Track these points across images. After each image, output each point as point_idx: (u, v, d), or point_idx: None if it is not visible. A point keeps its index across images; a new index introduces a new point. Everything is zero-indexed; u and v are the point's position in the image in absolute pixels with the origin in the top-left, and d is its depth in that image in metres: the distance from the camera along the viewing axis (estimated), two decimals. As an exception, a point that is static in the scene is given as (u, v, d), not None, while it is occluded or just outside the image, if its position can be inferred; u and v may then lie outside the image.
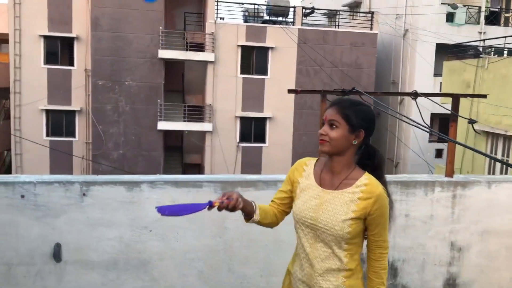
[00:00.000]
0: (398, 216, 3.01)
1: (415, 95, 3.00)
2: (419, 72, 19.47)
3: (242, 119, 18.62)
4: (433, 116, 17.53)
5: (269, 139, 18.93)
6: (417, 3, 19.47)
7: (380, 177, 1.83)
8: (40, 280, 2.73)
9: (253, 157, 18.72)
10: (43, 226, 2.70)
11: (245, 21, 19.69)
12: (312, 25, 20.64)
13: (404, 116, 2.60)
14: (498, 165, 11.16)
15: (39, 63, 17.76)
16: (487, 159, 11.52)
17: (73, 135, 18.47)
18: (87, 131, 18.32)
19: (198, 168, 19.72)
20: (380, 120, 20.47)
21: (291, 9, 19.52)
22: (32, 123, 17.75)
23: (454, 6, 19.50)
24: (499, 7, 21.32)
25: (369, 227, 1.80)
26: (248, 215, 1.88)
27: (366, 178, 1.79)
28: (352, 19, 22.51)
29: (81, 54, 17.97)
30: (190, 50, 18.02)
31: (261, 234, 2.89)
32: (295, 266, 1.97)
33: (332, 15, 23.31)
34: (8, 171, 19.90)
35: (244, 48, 18.31)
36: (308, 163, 1.95)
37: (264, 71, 18.64)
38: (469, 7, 19.93)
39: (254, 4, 19.89)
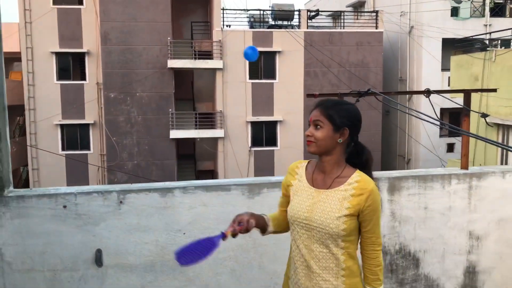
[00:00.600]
0: (417, 209, 3.16)
1: (428, 92, 3.15)
2: (426, 68, 19.53)
3: (253, 123, 18.82)
4: (443, 110, 17.57)
5: (281, 142, 19.09)
6: (421, -1, 19.56)
7: (370, 173, 1.88)
8: (84, 284, 2.91)
9: (266, 161, 18.89)
10: (85, 234, 2.88)
11: (251, 27, 19.93)
12: (317, 27, 20.82)
13: (420, 113, 2.74)
14: (510, 155, 11.19)
15: (52, 79, 18.16)
16: (499, 150, 11.54)
17: (88, 148, 18.82)
18: (101, 143, 18.65)
19: (211, 175, 19.94)
20: (390, 118, 20.53)
21: (296, 12, 19.72)
22: (47, 138, 18.14)
23: (458, 1, 19.54)
24: (504, -2, 21.30)
25: (362, 224, 1.82)
26: (263, 229, 1.98)
27: (358, 175, 1.82)
28: (357, 19, 22.65)
29: (93, 68, 18.33)
30: (199, 58, 18.29)
31: (287, 232, 3.05)
32: (291, 270, 2.00)
33: (336, 16, 23.48)
34: (26, 186, 20.29)
35: (251, 54, 18.51)
36: (300, 166, 2.00)
37: (272, 75, 18.84)
38: (474, 0, 19.96)
39: (259, 9, 20.14)
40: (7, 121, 2.89)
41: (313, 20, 21.40)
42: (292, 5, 20.20)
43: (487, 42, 16.52)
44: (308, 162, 2.01)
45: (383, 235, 3.03)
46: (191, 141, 19.72)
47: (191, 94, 20.08)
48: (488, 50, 13.02)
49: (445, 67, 18.06)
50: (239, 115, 18.51)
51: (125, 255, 2.93)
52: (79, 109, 18.39)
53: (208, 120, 18.60)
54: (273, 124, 19.04)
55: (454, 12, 19.87)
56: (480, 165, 11.87)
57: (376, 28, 19.47)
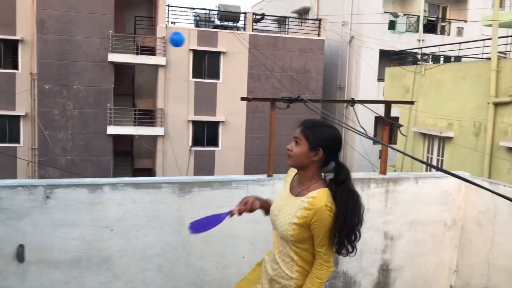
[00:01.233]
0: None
1: (352, 102, 3.38)
2: (364, 77, 20.46)
3: (195, 123, 18.74)
4: (378, 119, 18.51)
5: (222, 143, 19.16)
6: (361, 11, 20.47)
7: (343, 192, 1.95)
8: (3, 281, 2.84)
9: (206, 161, 18.88)
10: (6, 229, 2.81)
11: (197, 25, 19.85)
12: (262, 31, 21.14)
13: (340, 121, 2.94)
14: (434, 163, 12.05)
15: (-21, 66, 17.01)
16: (425, 159, 12.38)
17: (18, 141, 17.81)
18: (32, 136, 17.72)
19: (149, 173, 19.58)
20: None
21: (242, 14, 19.91)
22: (-28, 128, 16.96)
23: (395, 15, 20.69)
24: (436, 16, 22.82)
25: (313, 237, 1.95)
26: (267, 211, 2.20)
27: (317, 192, 1.95)
28: (301, 25, 23.26)
29: (26, 57, 17.38)
30: (141, 54, 17.92)
31: (216, 230, 3.14)
32: (267, 257, 2.24)
33: (281, 21, 23.96)
34: None
35: (196, 52, 18.46)
36: (291, 174, 2.19)
37: (216, 75, 18.87)
38: (409, 16, 21.21)
39: (205, 9, 20.11)
40: None
41: (259, 24, 21.70)
42: (239, 7, 20.37)
43: (419, 56, 17.62)
44: None
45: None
46: (129, 138, 19.26)
47: (132, 90, 19.62)
48: (418, 64, 13.91)
49: (381, 78, 19.04)
50: (181, 114, 18.35)
51: (50, 250, 2.89)
52: (9, 100, 17.34)
53: (148, 117, 18.27)
54: (215, 124, 19.07)
55: (392, 25, 21.00)
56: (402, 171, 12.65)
57: (319, 36, 20.11)
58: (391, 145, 2.47)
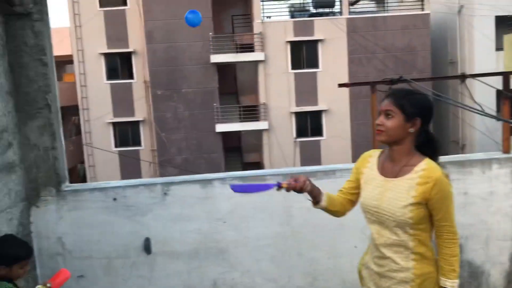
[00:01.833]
0: (456, 194, 3.12)
1: (462, 77, 3.10)
2: (478, 48, 18.61)
3: (297, 114, 18.80)
4: (500, 92, 16.71)
5: (326, 132, 18.95)
6: (470, -24, 18.64)
7: (438, 163, 1.88)
8: (135, 271, 3.15)
9: (312, 151, 18.84)
10: (134, 224, 3.11)
11: (292, 16, 19.84)
12: (360, 13, 20.37)
13: (452, 100, 2.72)
14: None
15: (102, 79, 19.02)
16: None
17: (139, 144, 19.58)
18: (151, 139, 19.35)
19: (257, 166, 20.17)
20: (441, 103, 19.77)
21: (337, -1, 19.41)
22: (101, 136, 19.05)
23: (511, -25, 18.42)
24: (563, -31, 19.84)
25: (432, 212, 1.82)
26: (315, 200, 2.04)
27: (425, 164, 1.83)
28: (402, 1, 21.92)
29: (139, 67, 19.02)
30: (240, 51, 18.47)
31: (325, 220, 3.10)
32: (366, 256, 2.11)
33: (380, 0, 22.82)
34: (84, 182, 21.45)
35: (293, 44, 18.48)
36: (373, 154, 2.04)
37: (315, 64, 18.69)
38: (528, -27, 18.76)
39: (299, -2, 20.00)
40: (60, 122, 3.15)
41: (355, 6, 20.95)
42: (333, -8, 19.89)
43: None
44: (382, 151, 2.04)
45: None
46: (237, 134, 20.01)
47: (235, 88, 20.34)
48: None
49: (500, 47, 17.14)
50: (283, 106, 18.54)
51: (171, 242, 3.12)
52: (129, 107, 19.15)
53: (252, 112, 18.79)
54: (318, 113, 18.92)
55: (507, -13, 18.78)
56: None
57: (422, 10, 18.80)
58: (510, 120, 2.21)
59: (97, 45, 18.73)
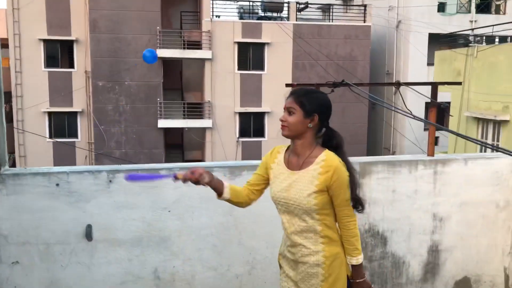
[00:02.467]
0: (386, 192, 3.41)
1: (398, 84, 3.39)
2: (412, 62, 19.88)
3: (241, 114, 19.02)
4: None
5: (268, 133, 19.33)
6: (409, -6, 19.84)
7: (341, 156, 2.04)
8: (75, 257, 3.12)
9: (253, 152, 19.13)
10: (76, 210, 3.09)
11: (241, 18, 20.05)
12: (306, 19, 21.01)
13: (389, 104, 2.99)
14: (488, 148, 11.58)
15: (39, 67, 18.12)
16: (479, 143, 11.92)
17: (76, 136, 18.86)
18: (89, 131, 18.70)
19: (199, 164, 20.11)
20: (376, 111, 20.87)
21: (286, 4, 19.88)
22: (35, 125, 18.12)
23: (445, -4, 19.88)
24: (489, -5, 21.71)
25: (332, 198, 1.99)
26: (217, 192, 2.16)
27: (325, 155, 2.01)
28: (346, 12, 22.87)
29: (81, 56, 18.33)
30: (188, 48, 18.38)
31: (266, 211, 3.28)
32: (282, 246, 2.24)
33: (325, 9, 23.66)
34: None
35: (240, 45, 18.68)
36: (281, 150, 2.19)
37: (261, 67, 19.02)
38: (460, -4, 20.32)
39: (249, 0, 20.24)
40: (3, 105, 3.07)
41: (302, 13, 21.57)
42: (282, -3, 20.36)
43: (471, 38, 16.88)
44: (287, 147, 2.19)
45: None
46: (179, 130, 19.86)
47: (180, 84, 20.18)
48: (470, 46, 13.36)
49: (431, 62, 18.42)
50: (228, 106, 18.68)
51: (114, 230, 3.14)
52: (67, 97, 18.39)
53: (196, 110, 18.75)
54: (261, 115, 19.26)
55: (441, 7, 20.22)
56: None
57: (364, 22, 19.74)
58: (436, 124, 2.50)
59: (36, 30, 17.82)
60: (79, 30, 18.16)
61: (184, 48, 18.41)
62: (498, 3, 21.41)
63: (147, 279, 3.19)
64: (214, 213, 3.25)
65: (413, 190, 3.48)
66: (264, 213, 3.29)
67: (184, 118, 18.62)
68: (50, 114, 18.42)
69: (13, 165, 19.85)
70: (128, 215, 3.15)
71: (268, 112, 19.14)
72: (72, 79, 18.44)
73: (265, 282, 3.35)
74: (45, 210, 3.04)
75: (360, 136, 19.17)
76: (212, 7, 18.66)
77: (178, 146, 20.54)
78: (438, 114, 3.67)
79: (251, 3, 20.34)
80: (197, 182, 2.06)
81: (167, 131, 19.04)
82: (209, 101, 18.57)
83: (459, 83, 3.78)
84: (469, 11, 20.25)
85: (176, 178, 2.05)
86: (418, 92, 3.61)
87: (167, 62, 18.65)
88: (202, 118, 18.74)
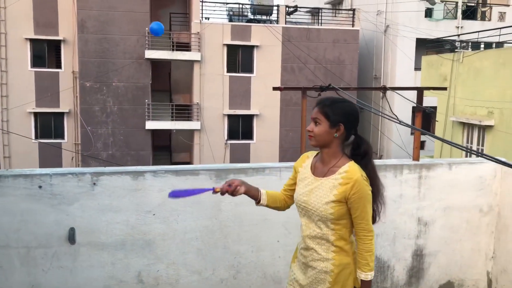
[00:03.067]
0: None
1: (384, 89, 3.41)
2: (400, 66, 20.06)
3: (230, 116, 18.98)
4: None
5: (257, 136, 19.32)
6: (397, -1, 20.04)
7: (367, 164, 2.07)
8: (57, 261, 3.08)
9: (241, 154, 19.11)
10: (59, 213, 3.04)
11: (230, 20, 20.05)
12: (295, 23, 21.08)
13: (375, 109, 2.99)
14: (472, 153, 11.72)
15: (26, 66, 17.88)
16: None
17: (62, 137, 18.63)
18: (76, 132, 18.50)
19: (187, 166, 20.00)
20: (363, 115, 21.00)
21: (275, 7, 19.93)
22: (20, 126, 17.87)
23: (432, 2, 20.10)
24: (475, 1, 22.01)
25: (351, 211, 2.01)
26: (255, 199, 2.23)
27: (348, 166, 2.02)
28: (335, 16, 23.01)
29: (68, 57, 18.13)
30: (176, 50, 18.31)
31: (251, 215, 3.28)
32: (296, 250, 2.29)
33: (315, 12, 23.77)
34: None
35: (229, 47, 18.66)
36: (310, 155, 2.24)
37: (250, 69, 19.02)
38: (447, 2, 20.57)
39: (238, 3, 20.25)
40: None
41: (292, 16, 21.65)
42: (271, 0, 20.40)
43: (457, 43, 17.09)
44: (317, 153, 2.23)
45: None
46: (167, 132, 19.75)
47: (168, 86, 20.09)
48: (456, 51, 13.53)
49: (418, 67, 18.61)
50: (216, 108, 18.64)
51: (97, 233, 3.10)
52: (53, 97, 18.17)
53: (184, 111, 18.67)
54: (250, 117, 19.25)
55: (428, 13, 20.44)
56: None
57: (353, 26, 19.86)
58: (422, 130, 2.51)
59: (23, 30, 17.60)
60: (66, 30, 17.98)
61: (173, 50, 18.33)
62: (483, 9, 21.73)
63: (130, 283, 3.16)
64: (199, 217, 3.23)
65: (398, 194, 3.50)
66: (250, 217, 3.28)
67: (172, 120, 18.52)
68: (36, 114, 18.19)
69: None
70: (112, 218, 3.12)
71: (256, 115, 19.15)
72: (59, 79, 18.23)
73: (250, 286, 3.34)
74: (27, 213, 3.00)
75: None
76: (202, 9, 18.63)
77: (165, 148, 20.42)
78: (424, 118, 3.69)
79: (240, 6, 20.35)
80: (233, 193, 2.13)
81: (155, 132, 18.93)
82: (197, 103, 18.51)
83: (444, 88, 3.82)
84: (456, 17, 20.51)
85: (215, 191, 2.12)
86: (404, 97, 3.63)
87: (155, 64, 18.56)
88: (190, 120, 18.67)
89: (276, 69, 19.04)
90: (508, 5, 20.97)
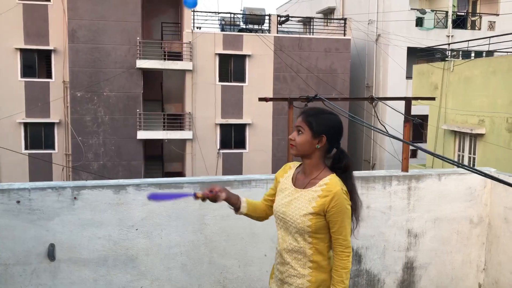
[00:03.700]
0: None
1: (371, 99, 3.37)
2: (391, 75, 20.15)
3: (222, 126, 18.92)
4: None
5: (249, 145, 19.26)
6: (388, 8, 20.19)
7: (347, 179, 2.01)
8: (36, 278, 2.98)
9: (234, 163, 19.02)
10: (38, 229, 2.95)
11: (222, 29, 20.06)
12: (287, 32, 21.15)
13: (360, 120, 2.94)
14: (465, 161, 11.74)
15: (16, 76, 17.73)
16: (456, 156, 12.08)
17: (53, 147, 18.44)
18: (66, 142, 18.32)
19: (179, 176, 19.86)
20: (356, 124, 21.02)
21: (267, 17, 19.99)
22: (9, 136, 17.66)
23: (423, 11, 20.29)
24: (465, 11, 22.23)
25: (330, 224, 1.95)
26: (235, 207, 2.17)
27: (329, 178, 1.97)
28: (326, 25, 23.13)
29: (59, 66, 18.01)
30: (168, 59, 18.26)
31: (238, 228, 3.20)
32: (273, 266, 2.19)
33: (306, 22, 23.90)
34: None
35: (221, 56, 18.66)
36: (292, 166, 2.18)
37: (242, 79, 19.00)
38: (437, 11, 20.76)
39: (230, 13, 20.29)
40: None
41: (283, 25, 21.72)
42: (263, 10, 20.46)
43: (448, 52, 17.21)
44: (300, 164, 2.16)
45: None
46: (159, 142, 19.63)
47: (160, 95, 20.01)
48: (447, 60, 13.61)
49: (410, 75, 18.71)
50: (208, 117, 18.57)
51: (78, 249, 3.01)
52: (44, 108, 18.01)
53: (176, 121, 18.58)
54: (242, 126, 19.19)
55: (419, 22, 20.60)
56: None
57: (344, 35, 19.96)
58: (408, 142, 2.46)
59: (12, 39, 17.47)
60: (57, 39, 17.87)
61: (164, 59, 18.28)
62: (473, 19, 21.95)
63: (112, 300, 3.06)
64: (183, 231, 3.15)
65: (387, 206, 3.44)
66: (236, 231, 3.21)
67: (164, 130, 18.41)
68: (26, 124, 18.00)
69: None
70: (94, 233, 3.03)
71: (249, 124, 19.10)
72: (50, 89, 18.08)
73: (236, 302, 3.25)
74: (5, 229, 2.90)
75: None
76: (193, 19, 18.63)
77: (157, 157, 20.28)
78: (415, 127, 3.65)
79: (232, 15, 20.40)
80: (214, 199, 2.09)
81: (146, 142, 18.80)
82: (189, 112, 18.43)
83: (433, 99, 3.79)
84: (446, 26, 20.68)
85: (196, 197, 2.09)
86: (393, 108, 3.59)
87: (147, 73, 18.48)
88: (182, 129, 18.57)
89: (268, 78, 19.05)
90: (497, 14, 21.20)
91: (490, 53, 16.22)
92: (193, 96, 18.39)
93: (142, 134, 17.94)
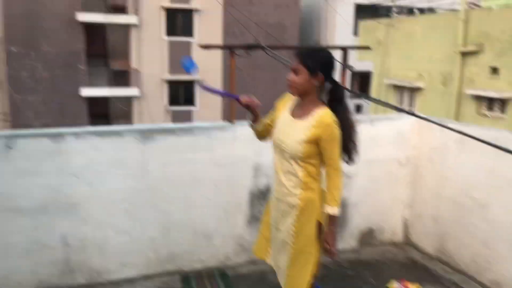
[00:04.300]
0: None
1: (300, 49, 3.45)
2: (339, 32, 20.39)
3: (170, 82, 18.56)
4: (353, 74, 18.63)
5: (199, 102, 19.10)
6: (336, -36, 20.12)
7: (344, 109, 2.25)
8: (-27, 229, 2.93)
9: (183, 120, 18.85)
10: (-29, 179, 2.88)
11: (168, -18, 19.26)
12: (236, -14, 20.62)
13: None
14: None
15: None
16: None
17: (-11, 106, 17.41)
18: (3, 101, 17.35)
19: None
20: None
21: (214, -31, 19.34)
22: None
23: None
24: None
25: (322, 150, 2.18)
26: (253, 121, 2.42)
27: (322, 111, 2.18)
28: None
29: (-9, 19, 16.73)
30: (112, 13, 17.42)
31: (180, 176, 3.28)
32: (274, 184, 2.39)
33: (255, -24, 23.36)
34: None
35: (168, 11, 18.03)
36: (292, 98, 2.37)
37: (190, 33, 18.55)
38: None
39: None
40: None
41: (232, -21, 21.14)
42: (211, -38, 19.77)
43: (395, 9, 17.57)
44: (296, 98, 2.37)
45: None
46: (105, 100, 19.02)
47: (104, 51, 19.18)
48: (390, 16, 13.93)
49: (357, 32, 19.02)
50: (155, 74, 18.13)
51: (16, 198, 2.97)
52: (-24, 63, 16.82)
53: (122, 78, 18.00)
54: (191, 83, 18.93)
55: (367, -22, 20.74)
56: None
57: (294, -10, 19.80)
58: (353, 90, 2.59)
59: None
60: (-13, -11, 16.49)
61: (108, 13, 17.42)
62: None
63: (55, 246, 3.09)
64: (125, 178, 3.18)
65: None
66: (179, 178, 3.28)
67: (109, 87, 17.82)
68: (-43, 82, 16.81)
69: None
70: (32, 182, 3.00)
71: (198, 80, 18.85)
72: (-18, 43, 16.85)
73: (180, 243, 3.37)
74: None
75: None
76: (137, -31, 17.73)
77: (103, 116, 19.69)
78: (362, 81, 3.80)
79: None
80: (251, 108, 2.34)
81: (91, 100, 18.15)
82: (136, 68, 17.89)
83: (368, 47, 3.94)
84: (393, -17, 20.98)
85: (239, 101, 2.32)
86: (336, 60, 3.71)
87: (89, 27, 17.58)
88: (129, 86, 18.06)
89: (217, 34, 18.71)
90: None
91: (432, 10, 16.75)
92: (139, 51, 17.80)
93: (86, 92, 17.29)
